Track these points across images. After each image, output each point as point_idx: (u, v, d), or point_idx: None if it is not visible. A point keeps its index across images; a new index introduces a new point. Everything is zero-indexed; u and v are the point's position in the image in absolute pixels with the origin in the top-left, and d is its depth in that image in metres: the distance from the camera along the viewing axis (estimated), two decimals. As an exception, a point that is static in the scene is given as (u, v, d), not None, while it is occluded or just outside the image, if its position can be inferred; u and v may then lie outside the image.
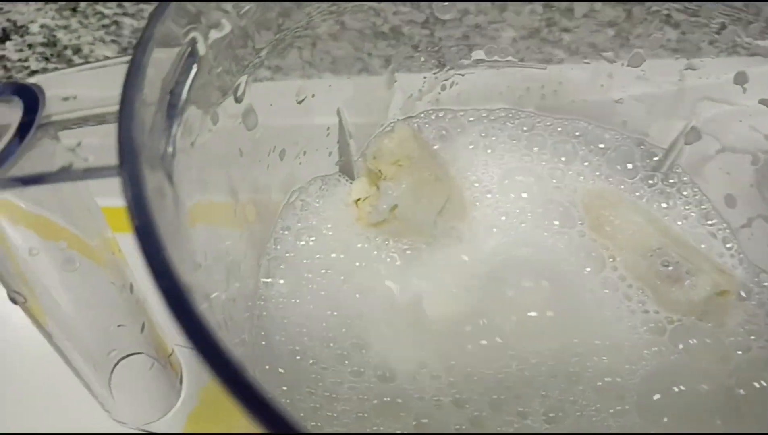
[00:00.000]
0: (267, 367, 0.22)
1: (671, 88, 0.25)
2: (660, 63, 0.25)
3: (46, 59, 0.39)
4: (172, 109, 0.15)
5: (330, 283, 0.24)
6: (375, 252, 0.24)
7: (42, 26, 0.40)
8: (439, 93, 0.27)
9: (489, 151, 0.27)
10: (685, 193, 0.26)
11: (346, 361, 0.22)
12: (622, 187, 0.26)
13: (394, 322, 0.23)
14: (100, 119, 0.16)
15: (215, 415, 0.26)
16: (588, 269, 0.24)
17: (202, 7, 0.16)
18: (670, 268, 0.24)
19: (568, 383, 0.22)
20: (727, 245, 0.25)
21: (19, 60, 0.38)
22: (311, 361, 0.22)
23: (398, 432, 0.21)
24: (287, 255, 0.24)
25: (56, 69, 0.38)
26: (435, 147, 0.27)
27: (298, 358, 0.22)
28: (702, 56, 0.24)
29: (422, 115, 0.28)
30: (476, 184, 0.26)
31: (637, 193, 0.26)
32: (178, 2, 0.15)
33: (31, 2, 0.41)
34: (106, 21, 0.40)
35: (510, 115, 0.28)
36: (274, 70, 0.21)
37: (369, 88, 0.26)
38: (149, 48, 0.14)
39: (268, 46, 0.20)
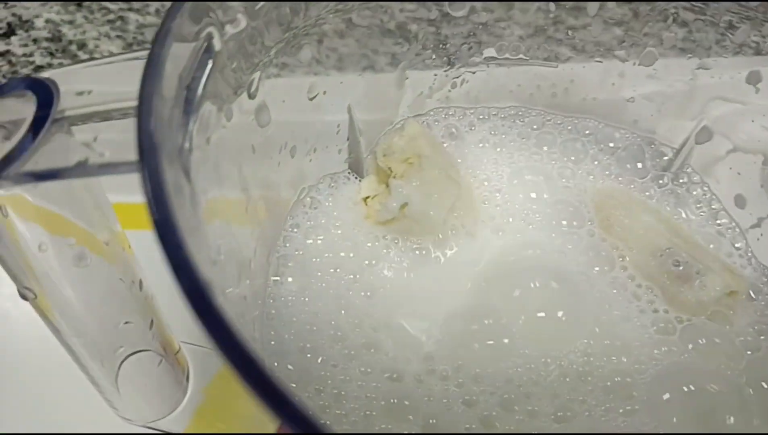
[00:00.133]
0: (276, 363, 0.22)
1: (683, 88, 0.25)
2: (672, 62, 0.25)
3: (51, 54, 0.38)
4: (188, 104, 0.15)
5: (339, 281, 0.23)
6: (384, 250, 0.24)
7: (47, 21, 0.40)
8: (450, 91, 0.27)
9: (498, 149, 0.27)
10: (695, 192, 0.26)
11: (355, 360, 0.22)
12: (632, 186, 0.26)
13: (403, 322, 0.23)
14: (115, 114, 0.16)
15: (221, 412, 0.26)
16: (597, 269, 0.24)
17: (218, 3, 0.16)
18: (680, 268, 0.24)
19: (578, 383, 0.22)
20: (737, 245, 0.25)
21: (24, 55, 0.38)
22: (320, 359, 0.22)
23: (408, 432, 0.21)
24: (296, 253, 0.24)
25: (61, 64, 0.38)
26: (444, 145, 0.27)
27: (308, 355, 0.22)
28: (714, 55, 0.24)
29: (432, 112, 0.28)
30: (486, 183, 0.26)
31: (647, 193, 0.26)
32: (196, -3, 0.15)
33: (35, -3, 0.40)
34: (112, 16, 0.40)
35: (520, 113, 0.28)
36: (283, 67, 0.21)
37: (380, 85, 0.26)
38: (167, 42, 0.14)
39: (281, 43, 0.20)
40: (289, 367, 0.22)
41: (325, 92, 0.24)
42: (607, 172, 0.27)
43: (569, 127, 0.27)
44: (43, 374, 0.26)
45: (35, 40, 0.39)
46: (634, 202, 0.26)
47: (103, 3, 0.41)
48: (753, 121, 0.24)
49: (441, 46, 0.26)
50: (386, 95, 0.27)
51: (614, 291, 0.24)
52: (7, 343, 0.28)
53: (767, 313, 0.24)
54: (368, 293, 0.23)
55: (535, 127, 0.28)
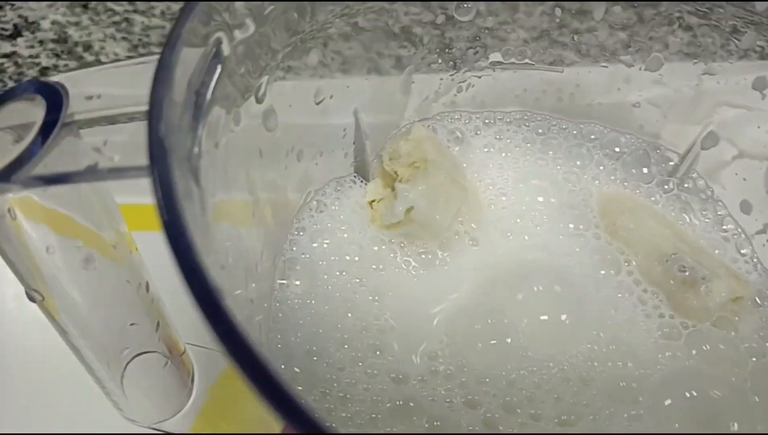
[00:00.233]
0: (283, 366, 0.22)
1: (689, 93, 0.25)
2: (678, 67, 0.25)
3: (57, 56, 0.38)
4: (198, 109, 0.15)
5: (345, 284, 0.24)
6: (390, 254, 0.24)
7: (53, 23, 0.40)
8: (455, 95, 0.27)
9: (504, 154, 0.27)
10: (700, 198, 0.26)
11: (361, 363, 0.22)
12: (638, 191, 0.26)
13: (408, 325, 0.23)
14: (123, 118, 0.16)
15: (226, 414, 0.26)
16: (603, 272, 0.24)
17: (228, 8, 0.16)
18: (686, 273, 0.24)
19: (582, 387, 0.22)
20: (742, 251, 0.25)
21: (30, 56, 0.38)
22: (326, 362, 0.22)
23: (412, 433, 0.21)
24: (303, 256, 0.24)
25: (67, 65, 0.38)
26: (450, 149, 0.27)
27: (315, 358, 0.22)
28: (720, 60, 0.24)
29: (438, 116, 0.28)
30: (491, 187, 0.26)
31: (653, 198, 0.26)
32: (207, 1, 0.15)
33: (42, -1, 0.41)
34: (117, 18, 0.40)
35: (525, 117, 0.28)
36: (290, 71, 0.21)
37: (386, 89, 0.26)
38: (178, 47, 0.14)
39: (288, 47, 0.20)
40: (296, 369, 0.22)
41: (331, 96, 0.24)
42: (612, 177, 0.27)
43: (575, 132, 0.28)
44: (50, 375, 0.27)
45: (41, 42, 0.39)
46: (639, 207, 0.26)
47: (109, 5, 0.41)
48: (759, 126, 0.24)
49: (446, 50, 0.26)
50: (392, 99, 0.27)
51: (620, 295, 0.24)
52: (14, 344, 0.28)
53: (772, 320, 0.24)
54: (374, 296, 0.24)
55: (540, 131, 0.28)
